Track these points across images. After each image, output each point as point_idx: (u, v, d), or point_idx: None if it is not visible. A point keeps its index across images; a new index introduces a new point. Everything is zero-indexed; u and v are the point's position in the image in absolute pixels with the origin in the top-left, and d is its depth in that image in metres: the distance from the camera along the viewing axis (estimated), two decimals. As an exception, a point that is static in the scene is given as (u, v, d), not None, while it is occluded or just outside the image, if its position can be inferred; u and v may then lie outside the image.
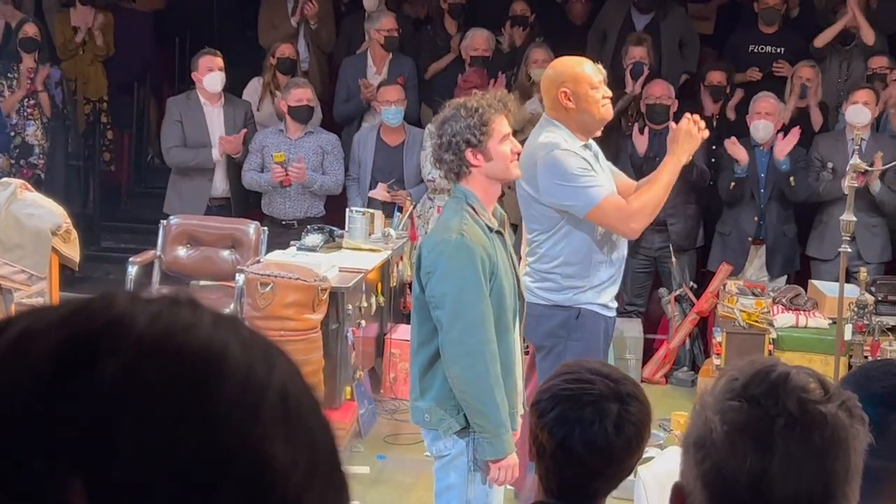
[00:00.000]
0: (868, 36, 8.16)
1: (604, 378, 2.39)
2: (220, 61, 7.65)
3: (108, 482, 0.68)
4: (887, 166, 6.18)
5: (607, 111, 4.54)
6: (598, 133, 4.64)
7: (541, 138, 4.48)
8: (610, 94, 4.59)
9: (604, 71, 4.62)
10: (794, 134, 7.24)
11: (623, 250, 4.64)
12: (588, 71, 4.51)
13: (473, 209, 3.78)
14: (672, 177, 4.57)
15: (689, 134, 4.55)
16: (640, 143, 7.29)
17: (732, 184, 7.28)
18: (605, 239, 4.52)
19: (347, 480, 0.78)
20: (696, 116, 4.62)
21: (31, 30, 8.43)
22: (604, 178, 4.50)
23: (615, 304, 4.68)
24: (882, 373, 2.22)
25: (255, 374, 0.73)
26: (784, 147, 7.20)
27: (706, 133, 4.66)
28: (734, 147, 7.22)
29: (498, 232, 3.85)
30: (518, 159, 3.91)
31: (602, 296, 4.54)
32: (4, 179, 6.83)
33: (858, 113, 7.11)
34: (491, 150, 3.77)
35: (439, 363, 3.79)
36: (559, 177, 4.38)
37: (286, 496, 0.72)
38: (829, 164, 7.32)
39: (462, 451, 3.84)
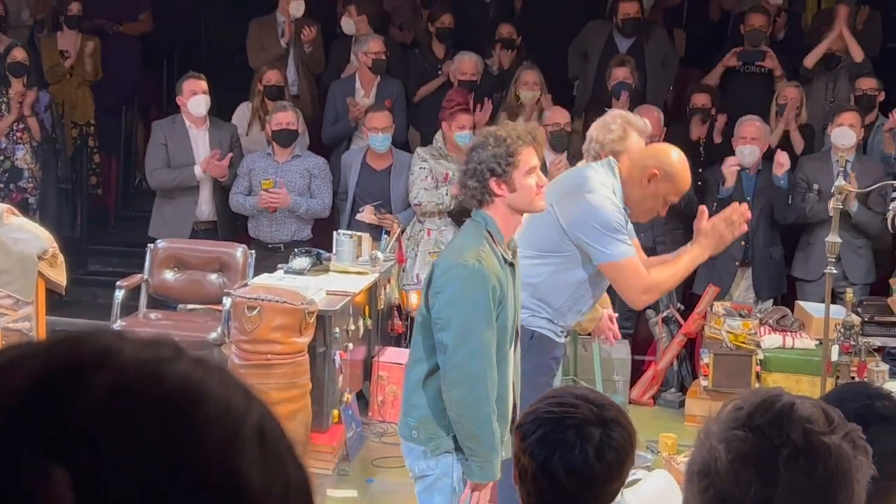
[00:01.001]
0: (857, 53, 8.20)
1: (588, 403, 2.39)
2: (204, 84, 7.66)
3: (96, 483, 0.71)
4: (870, 188, 6.21)
5: (644, 218, 4.60)
6: None
7: (591, 172, 4.49)
8: (662, 214, 4.66)
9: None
10: (784, 154, 7.30)
11: (588, 308, 4.65)
12: (683, 188, 4.53)
13: (492, 236, 3.79)
14: (693, 265, 4.61)
15: (729, 230, 4.51)
16: None
17: (715, 205, 7.30)
18: (584, 296, 4.51)
19: None
20: (745, 209, 4.58)
21: (19, 54, 8.43)
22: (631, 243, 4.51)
23: (566, 337, 4.72)
24: (854, 394, 2.24)
25: (234, 404, 0.77)
26: (783, 162, 7.23)
27: (744, 228, 4.63)
28: (730, 168, 7.24)
29: (511, 264, 3.86)
30: (542, 193, 3.88)
31: (556, 328, 4.55)
32: (-9, 204, 6.83)
33: (844, 135, 7.14)
34: (516, 181, 3.77)
35: (432, 381, 3.80)
36: (598, 220, 4.36)
37: None
38: (815, 186, 7.35)
39: (446, 471, 3.84)
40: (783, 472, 1.59)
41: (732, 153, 7.40)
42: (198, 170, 7.65)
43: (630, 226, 4.59)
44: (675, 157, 4.54)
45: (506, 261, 3.81)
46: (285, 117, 7.61)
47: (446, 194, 7.36)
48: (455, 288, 3.71)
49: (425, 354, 3.84)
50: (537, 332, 4.50)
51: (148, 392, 0.74)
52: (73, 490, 0.70)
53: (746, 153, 7.27)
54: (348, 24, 9.06)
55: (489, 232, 3.78)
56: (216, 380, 0.78)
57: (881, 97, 7.91)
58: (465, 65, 8.43)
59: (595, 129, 4.96)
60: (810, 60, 8.32)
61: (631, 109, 7.71)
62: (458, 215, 6.99)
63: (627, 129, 4.79)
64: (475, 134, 3.94)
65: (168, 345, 0.79)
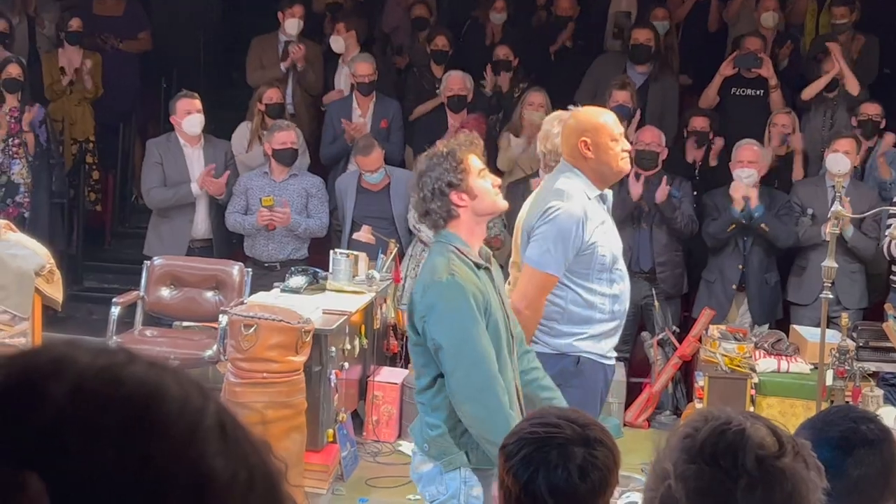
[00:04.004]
0: (853, 87, 8.22)
1: (571, 423, 2.39)
2: (198, 103, 7.67)
3: (69, 485, 0.73)
4: (865, 214, 6.23)
5: (626, 164, 4.57)
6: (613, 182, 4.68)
7: (557, 184, 4.50)
8: (629, 147, 4.63)
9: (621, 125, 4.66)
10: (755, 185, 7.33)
11: (625, 304, 4.64)
12: (610, 122, 4.55)
13: (458, 249, 3.80)
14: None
15: None
16: (636, 189, 7.34)
17: (732, 225, 7.33)
18: (608, 293, 4.52)
19: (285, 499, 0.84)
20: None
21: (14, 70, 8.44)
22: (607, 239, 4.50)
23: (614, 355, 4.68)
24: (840, 417, 2.26)
25: (192, 400, 0.81)
26: (754, 195, 7.26)
27: None
28: (738, 191, 7.26)
29: (486, 268, 3.87)
30: (500, 192, 3.93)
31: (601, 345, 4.54)
32: (-12, 220, 6.83)
33: (838, 161, 7.16)
34: (472, 187, 3.81)
35: (439, 399, 3.80)
36: (549, 228, 4.39)
37: None
38: (809, 211, 7.37)
39: (454, 493, 3.83)
40: (742, 503, 1.60)
41: (729, 176, 7.42)
42: (194, 187, 7.66)
43: (608, 204, 4.62)
44: (579, 114, 4.61)
45: (478, 266, 3.82)
46: (287, 136, 7.63)
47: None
48: (438, 307, 3.72)
49: (425, 373, 3.85)
50: (583, 357, 4.50)
51: (109, 394, 0.77)
52: (47, 494, 0.72)
53: (744, 177, 7.28)
54: (337, 42, 9.08)
55: (454, 246, 3.80)
56: (172, 379, 0.81)
57: (883, 124, 7.92)
58: (452, 81, 8.47)
59: (541, 143, 5.02)
60: (808, 94, 8.34)
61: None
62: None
63: (560, 125, 4.83)
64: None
65: (121, 351, 0.82)
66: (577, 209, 4.39)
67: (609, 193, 4.66)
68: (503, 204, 3.96)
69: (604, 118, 4.58)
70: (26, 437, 0.74)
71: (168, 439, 0.77)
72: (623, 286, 4.59)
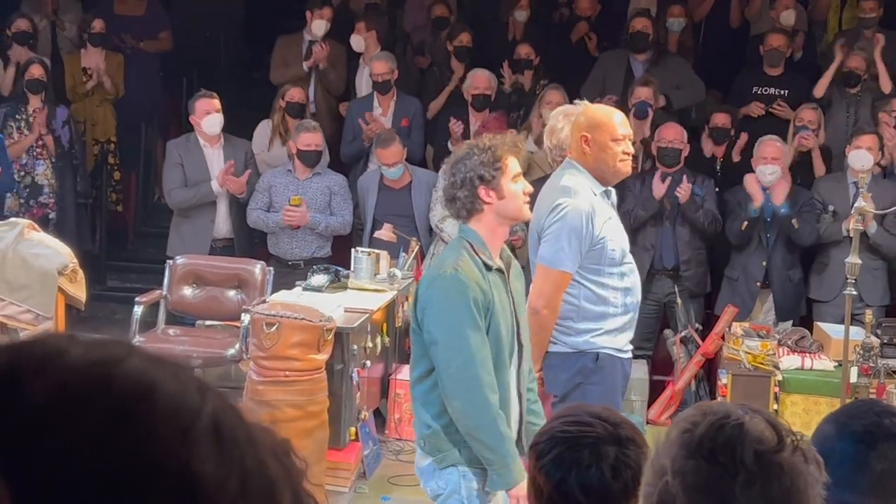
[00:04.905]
0: (885, 85, 8.18)
1: (603, 421, 2.38)
2: (217, 103, 7.68)
3: (39, 485, 0.71)
4: (888, 210, 6.20)
5: (624, 166, 4.54)
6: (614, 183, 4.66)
7: (562, 181, 4.50)
8: (632, 150, 4.61)
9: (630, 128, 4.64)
10: (787, 178, 7.28)
11: (637, 296, 4.64)
12: (614, 122, 4.53)
13: (472, 246, 3.81)
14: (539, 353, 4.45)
15: None
16: (659, 189, 7.32)
17: (745, 223, 7.29)
18: (619, 287, 4.52)
19: None
20: None
21: (37, 71, 8.48)
22: (615, 234, 4.50)
23: (630, 348, 4.68)
24: (863, 411, 2.24)
25: (187, 399, 0.77)
26: (779, 192, 7.22)
27: None
28: (754, 185, 7.23)
29: (500, 270, 3.87)
30: (529, 200, 3.93)
31: (617, 339, 4.54)
32: (11, 220, 6.87)
33: (861, 158, 7.12)
34: (503, 187, 3.82)
35: (434, 395, 3.83)
36: (560, 226, 4.39)
37: None
38: (830, 207, 7.34)
39: (455, 489, 3.86)
40: (740, 499, 1.59)
41: (751, 172, 7.38)
42: (215, 184, 7.68)
43: (613, 200, 4.61)
44: (586, 111, 4.61)
45: (488, 267, 3.81)
46: (313, 138, 7.63)
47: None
48: (438, 300, 3.75)
49: (423, 369, 3.87)
50: (602, 353, 4.50)
51: (94, 393, 0.74)
52: (13, 500, 0.70)
53: (767, 173, 7.25)
54: (357, 41, 9.07)
55: (470, 243, 3.81)
56: (169, 376, 0.77)
57: None
58: (478, 80, 8.45)
59: (547, 138, 5.00)
60: (819, 90, 8.30)
61: (653, 127, 7.77)
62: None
63: (566, 120, 4.82)
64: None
65: (119, 344, 0.79)
66: (585, 204, 4.39)
67: (613, 191, 4.65)
68: (527, 213, 3.99)
69: (608, 117, 4.57)
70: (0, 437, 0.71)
71: (153, 443, 0.74)
72: (633, 279, 4.59)
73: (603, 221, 4.44)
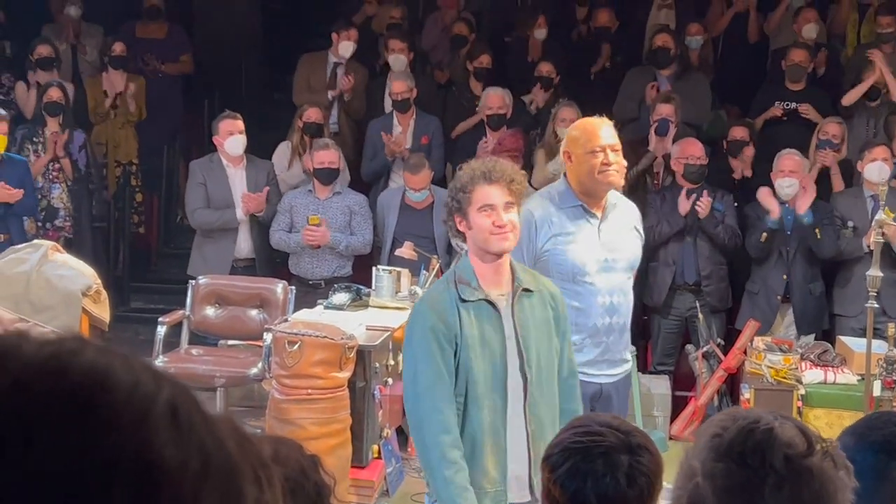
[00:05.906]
0: None
1: (614, 430, 2.39)
2: (240, 124, 7.74)
3: (3, 485, 0.72)
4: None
5: (606, 177, 4.45)
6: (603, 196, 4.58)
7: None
8: (617, 161, 4.49)
9: (616, 137, 4.57)
10: (812, 188, 7.27)
11: (594, 320, 4.50)
12: (589, 134, 4.51)
13: (456, 276, 3.72)
14: None
15: None
16: (684, 206, 7.32)
17: (764, 235, 7.27)
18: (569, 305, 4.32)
19: (245, 488, 0.81)
20: None
21: (55, 94, 8.52)
22: (573, 251, 4.46)
23: (595, 371, 4.53)
24: (883, 422, 2.24)
25: (141, 387, 0.78)
26: (804, 202, 7.21)
27: None
28: (768, 198, 7.22)
29: (489, 302, 3.70)
30: (503, 232, 3.70)
31: (583, 367, 4.34)
32: (36, 241, 6.92)
33: (878, 170, 7.11)
34: (470, 217, 3.71)
35: None
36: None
37: (179, 495, 0.76)
38: (850, 223, 7.30)
39: None
40: (770, 502, 1.59)
41: (770, 187, 7.37)
42: (239, 213, 7.73)
43: (599, 220, 4.55)
44: (576, 124, 4.72)
45: (463, 299, 3.66)
46: (328, 156, 7.67)
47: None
48: (408, 328, 3.74)
49: None
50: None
51: (50, 386, 0.75)
52: None
53: (786, 186, 7.23)
54: (398, 60, 9.06)
55: (456, 272, 3.73)
56: (122, 365, 0.78)
57: None
58: (492, 99, 8.47)
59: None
60: (848, 100, 8.29)
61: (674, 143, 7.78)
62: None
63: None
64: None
65: (72, 338, 0.80)
66: (527, 213, 4.28)
67: (611, 212, 4.58)
68: (497, 246, 3.71)
69: (584, 130, 4.56)
70: None
71: (113, 429, 0.74)
72: (591, 302, 4.47)
73: (552, 235, 4.43)
